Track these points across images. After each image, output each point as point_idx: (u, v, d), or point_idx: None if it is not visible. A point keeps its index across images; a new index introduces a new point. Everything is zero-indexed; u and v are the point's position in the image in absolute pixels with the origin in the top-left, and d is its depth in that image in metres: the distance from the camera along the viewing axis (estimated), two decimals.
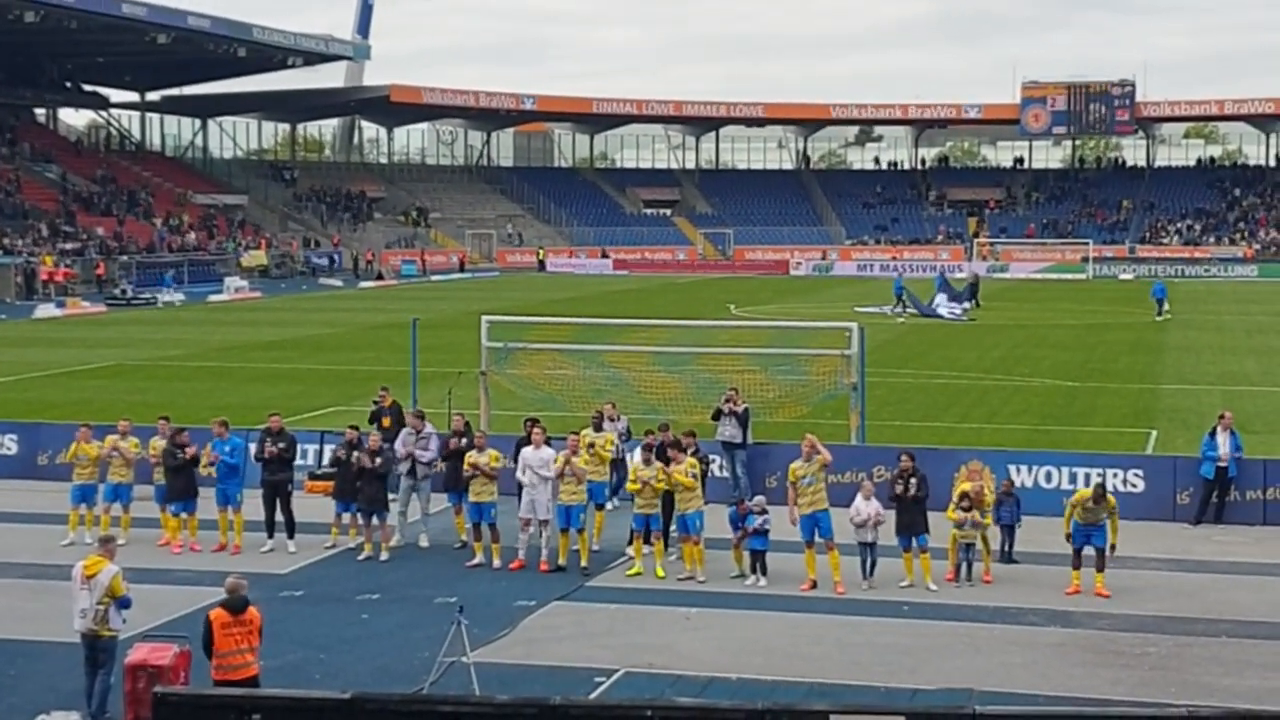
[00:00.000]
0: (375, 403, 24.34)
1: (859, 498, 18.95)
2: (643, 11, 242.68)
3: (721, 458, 23.06)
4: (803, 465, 18.91)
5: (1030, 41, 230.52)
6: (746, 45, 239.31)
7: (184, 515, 20.63)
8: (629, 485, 19.80)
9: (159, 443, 21.04)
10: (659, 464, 19.39)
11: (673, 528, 19.72)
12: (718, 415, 23.30)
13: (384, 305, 64.23)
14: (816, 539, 18.63)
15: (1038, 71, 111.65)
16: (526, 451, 19.89)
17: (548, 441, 20.00)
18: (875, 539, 18.76)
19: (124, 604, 14.11)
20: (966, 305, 59.74)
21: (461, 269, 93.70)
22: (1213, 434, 22.22)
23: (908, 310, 58.13)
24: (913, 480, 18.75)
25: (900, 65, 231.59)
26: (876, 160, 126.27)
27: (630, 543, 20.15)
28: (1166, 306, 57.88)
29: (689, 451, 19.86)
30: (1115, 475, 22.50)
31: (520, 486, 19.87)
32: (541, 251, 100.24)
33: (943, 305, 59.13)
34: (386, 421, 23.27)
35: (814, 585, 18.48)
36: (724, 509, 20.26)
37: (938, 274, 70.44)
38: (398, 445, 21.12)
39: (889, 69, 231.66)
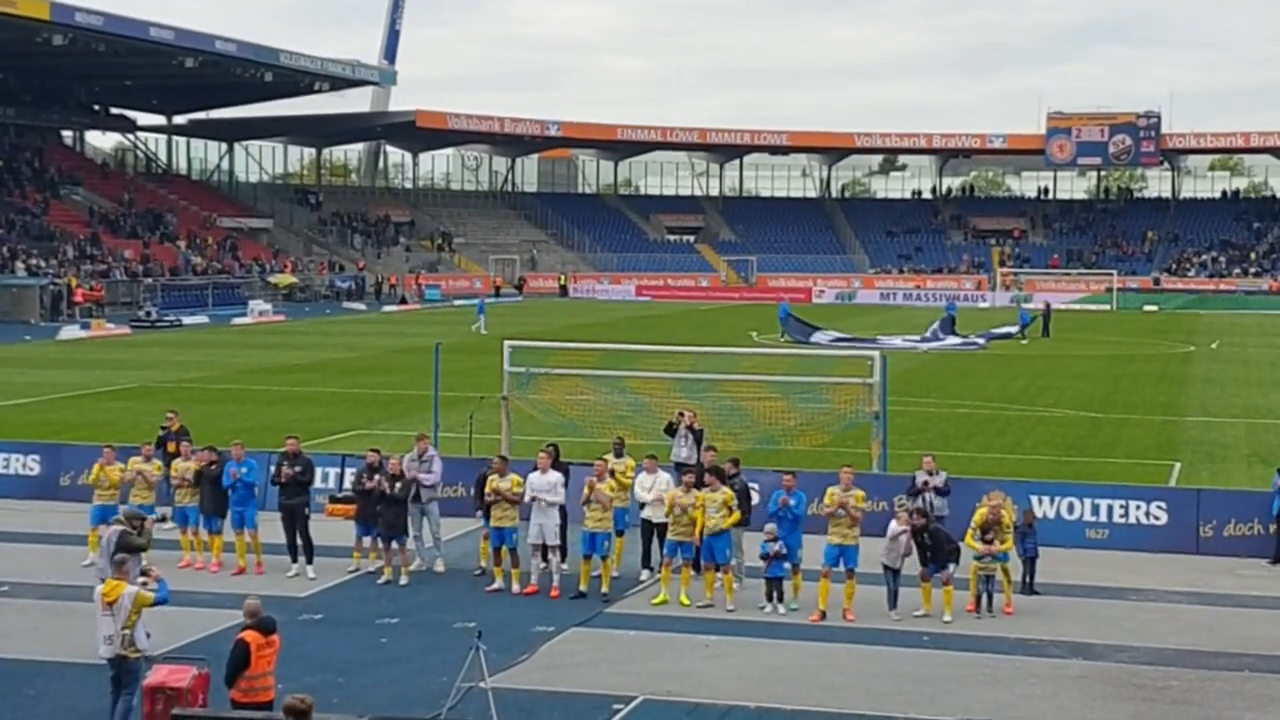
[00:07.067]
0: (163, 428, 23.80)
1: (894, 523, 18.94)
2: (649, 42, 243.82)
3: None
4: (839, 494, 18.88)
5: (1047, 74, 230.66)
6: (756, 76, 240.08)
7: (205, 533, 20.73)
8: (665, 511, 19.53)
9: (180, 465, 21.10)
10: (697, 492, 19.30)
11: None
12: (671, 430, 22.78)
13: (406, 329, 64.37)
14: (840, 567, 18.58)
15: (1056, 104, 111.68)
16: (533, 477, 19.81)
17: (555, 466, 20.03)
18: (900, 566, 18.69)
19: (161, 600, 14.12)
20: (1010, 332, 60.06)
21: (497, 294, 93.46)
22: None
23: (789, 338, 56.59)
24: (925, 536, 18.67)
25: (914, 97, 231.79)
26: (900, 189, 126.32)
27: (648, 568, 20.14)
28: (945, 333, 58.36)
29: (731, 480, 19.67)
30: (1138, 507, 22.43)
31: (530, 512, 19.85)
32: (564, 277, 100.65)
33: (951, 338, 59.00)
34: (172, 447, 22.67)
35: (823, 616, 18.41)
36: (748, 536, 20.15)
37: (947, 304, 70.61)
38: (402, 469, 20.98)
39: (904, 100, 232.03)
